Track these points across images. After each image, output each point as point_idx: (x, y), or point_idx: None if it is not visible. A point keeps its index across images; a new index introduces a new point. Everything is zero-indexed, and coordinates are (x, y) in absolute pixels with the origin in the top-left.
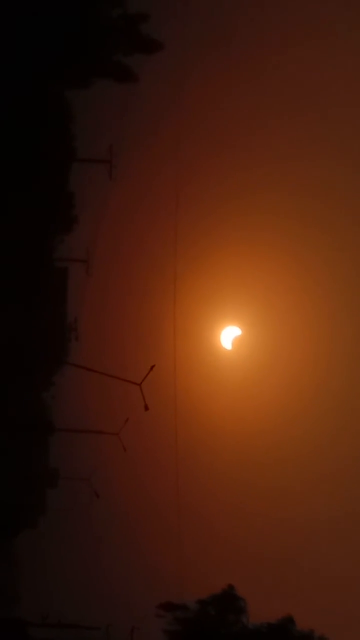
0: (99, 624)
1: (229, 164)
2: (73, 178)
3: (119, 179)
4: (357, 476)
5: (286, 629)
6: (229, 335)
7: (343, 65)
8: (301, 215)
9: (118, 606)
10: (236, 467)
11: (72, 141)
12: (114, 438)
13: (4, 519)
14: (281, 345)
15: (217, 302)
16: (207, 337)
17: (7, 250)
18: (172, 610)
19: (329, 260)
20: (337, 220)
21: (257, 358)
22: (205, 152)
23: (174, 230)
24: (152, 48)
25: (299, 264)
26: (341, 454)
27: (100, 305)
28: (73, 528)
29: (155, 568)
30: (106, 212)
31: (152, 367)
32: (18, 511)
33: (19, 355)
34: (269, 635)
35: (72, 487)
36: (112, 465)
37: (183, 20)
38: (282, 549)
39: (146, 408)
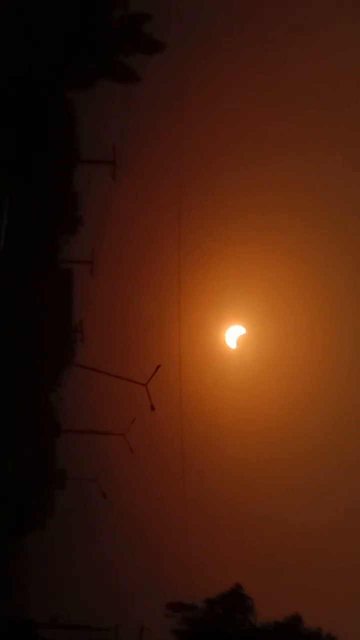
0: (108, 624)
1: (232, 162)
2: (77, 179)
3: (122, 179)
4: None
5: (294, 627)
6: (233, 334)
7: (345, 62)
8: (305, 213)
9: (127, 607)
10: (242, 466)
11: (75, 142)
12: (120, 438)
13: (12, 520)
14: (285, 344)
15: (221, 302)
16: (211, 337)
17: (12, 252)
18: (181, 610)
19: (332, 259)
20: (342, 218)
21: (262, 356)
22: (208, 152)
23: (177, 230)
24: (154, 48)
25: (303, 262)
26: (345, 451)
27: (105, 306)
28: (81, 529)
29: (163, 568)
30: (110, 213)
31: (158, 367)
32: (26, 512)
33: (25, 357)
34: (276, 634)
35: (80, 488)
36: (119, 465)
37: (185, 21)
38: (289, 548)
39: (152, 408)
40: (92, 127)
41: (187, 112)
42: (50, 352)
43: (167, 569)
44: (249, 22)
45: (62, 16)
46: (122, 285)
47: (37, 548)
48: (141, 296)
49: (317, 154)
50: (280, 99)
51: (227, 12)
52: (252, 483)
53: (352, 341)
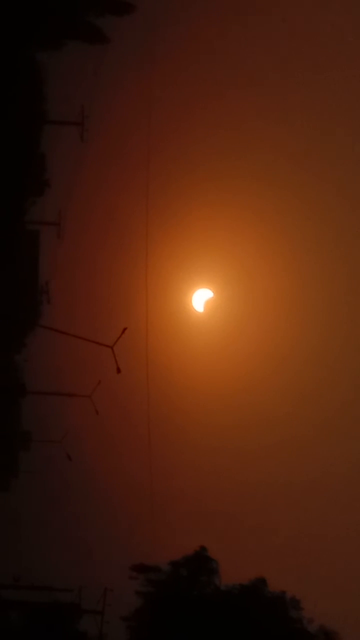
0: (72, 586)
1: (201, 126)
2: (44, 140)
3: (90, 141)
4: (331, 437)
5: (258, 590)
6: (200, 298)
7: (322, 28)
8: (274, 178)
9: (91, 568)
10: (208, 429)
11: (43, 103)
12: (86, 400)
13: None
14: (253, 308)
15: (189, 265)
16: (179, 300)
17: None
18: (145, 572)
19: (301, 223)
20: (311, 183)
21: (229, 320)
22: (177, 115)
23: (145, 192)
24: (123, 9)
25: (271, 227)
26: (314, 415)
27: (72, 268)
28: (45, 491)
29: (128, 530)
30: (78, 175)
31: (124, 329)
32: None
33: None
34: (241, 596)
35: (45, 449)
36: (85, 427)
37: None
38: (254, 511)
39: (118, 370)
40: (60, 88)
41: (157, 75)
42: (16, 314)
43: (132, 531)
44: None
45: None
46: (89, 248)
47: (0, 509)
48: (108, 258)
49: (288, 119)
50: (257, 61)
51: None
52: (218, 446)
53: (320, 303)
